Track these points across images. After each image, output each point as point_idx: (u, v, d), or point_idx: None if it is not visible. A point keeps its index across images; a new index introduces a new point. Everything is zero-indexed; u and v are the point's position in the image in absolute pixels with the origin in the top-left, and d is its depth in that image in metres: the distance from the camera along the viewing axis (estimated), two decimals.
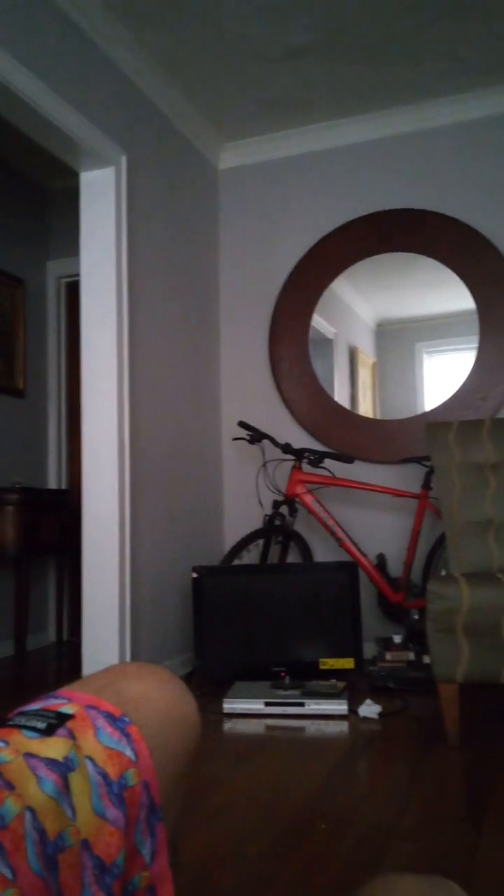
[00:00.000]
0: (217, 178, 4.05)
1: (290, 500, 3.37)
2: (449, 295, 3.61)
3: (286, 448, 3.40)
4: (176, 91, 3.46)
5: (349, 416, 3.72)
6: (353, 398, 3.75)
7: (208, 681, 3.08)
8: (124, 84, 3.15)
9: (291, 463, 3.76)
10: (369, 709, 2.56)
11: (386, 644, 3.04)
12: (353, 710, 2.61)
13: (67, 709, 0.61)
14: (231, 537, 3.89)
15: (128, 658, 2.90)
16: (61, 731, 0.58)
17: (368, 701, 2.60)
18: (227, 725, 2.51)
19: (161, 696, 0.68)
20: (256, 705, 2.62)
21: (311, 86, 3.46)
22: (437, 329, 3.63)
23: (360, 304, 3.76)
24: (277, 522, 3.39)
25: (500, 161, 3.56)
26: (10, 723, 0.58)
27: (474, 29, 3.08)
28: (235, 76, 3.37)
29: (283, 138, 3.89)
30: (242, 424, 3.44)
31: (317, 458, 3.36)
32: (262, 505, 3.65)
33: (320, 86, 3.47)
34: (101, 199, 3.01)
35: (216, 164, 4.02)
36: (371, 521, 3.65)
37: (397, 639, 3.03)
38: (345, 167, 3.83)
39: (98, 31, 2.92)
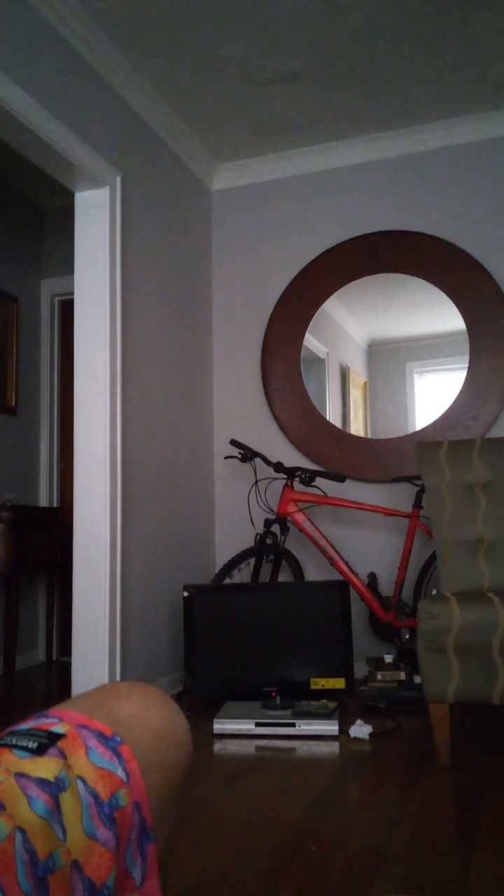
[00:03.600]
0: (210, 199, 4.09)
1: (282, 519, 3.37)
2: (439, 315, 3.64)
3: (278, 466, 3.41)
4: (170, 113, 3.50)
5: (341, 435, 3.73)
6: (345, 417, 3.77)
7: (199, 700, 3.06)
8: (119, 106, 3.18)
9: (283, 481, 3.76)
10: (360, 729, 2.55)
11: (377, 664, 3.03)
12: (344, 731, 2.60)
13: (59, 728, 0.61)
14: (222, 556, 3.88)
15: (118, 677, 2.88)
16: (52, 750, 0.57)
17: (359, 721, 2.59)
18: (218, 746, 2.49)
19: (153, 715, 0.68)
20: (247, 725, 2.61)
21: (303, 109, 3.51)
22: (427, 349, 3.66)
23: (351, 324, 3.79)
24: (269, 541, 3.39)
25: (488, 183, 3.61)
26: (1, 742, 0.58)
27: (461, 55, 3.14)
28: (229, 99, 3.42)
29: (275, 160, 3.94)
30: (234, 443, 3.44)
31: (308, 477, 3.37)
32: (253, 523, 3.65)
33: (312, 110, 3.52)
34: (95, 219, 3.03)
35: (210, 186, 4.06)
36: (362, 540, 3.66)
37: (388, 658, 3.03)
38: (336, 189, 3.87)
39: (94, 54, 2.95)
